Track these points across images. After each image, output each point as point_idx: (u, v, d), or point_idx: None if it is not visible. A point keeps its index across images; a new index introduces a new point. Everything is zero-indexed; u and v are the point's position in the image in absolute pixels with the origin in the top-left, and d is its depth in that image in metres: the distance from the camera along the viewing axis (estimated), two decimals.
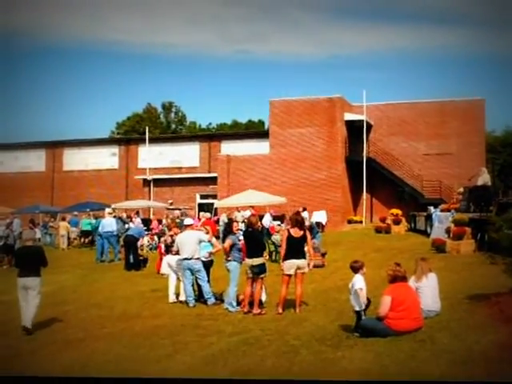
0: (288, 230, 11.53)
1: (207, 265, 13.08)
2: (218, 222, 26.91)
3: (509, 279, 9.66)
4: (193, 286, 12.81)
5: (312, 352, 7.97)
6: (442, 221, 24.06)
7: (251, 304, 11.46)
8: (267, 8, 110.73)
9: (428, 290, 9.43)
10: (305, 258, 11.36)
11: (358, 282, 9.10)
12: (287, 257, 11.17)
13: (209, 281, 12.90)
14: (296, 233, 11.28)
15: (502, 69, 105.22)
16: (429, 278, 9.69)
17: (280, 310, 11.11)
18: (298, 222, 11.56)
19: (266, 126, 57.15)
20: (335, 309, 11.06)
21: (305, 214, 26.99)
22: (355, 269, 9.32)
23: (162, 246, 15.90)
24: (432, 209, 26.75)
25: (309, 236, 11.71)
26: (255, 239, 11.86)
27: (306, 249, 11.42)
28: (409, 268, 9.44)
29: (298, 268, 11.15)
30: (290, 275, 11.14)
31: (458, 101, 37.85)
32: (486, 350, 6.69)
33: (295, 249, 11.18)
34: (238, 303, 11.88)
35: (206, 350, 8.67)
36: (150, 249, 25.69)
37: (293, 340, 8.83)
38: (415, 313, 8.52)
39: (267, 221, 23.82)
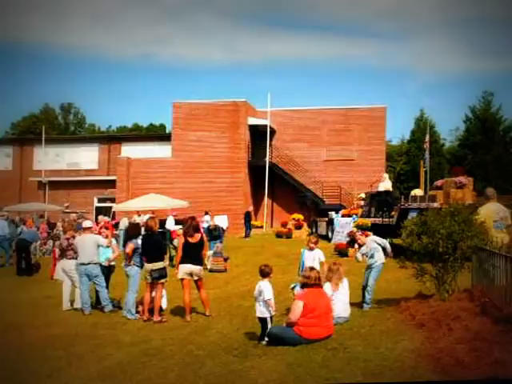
0: (185, 235, 11.10)
1: (107, 270, 12.39)
2: (116, 225, 25.93)
3: (417, 284, 9.55)
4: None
5: (218, 363, 7.48)
6: (343, 226, 24.30)
7: (151, 311, 10.94)
8: (172, 11, 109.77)
9: (341, 297, 9.19)
10: (201, 264, 11.10)
11: (267, 289, 8.68)
12: (183, 261, 10.82)
13: (107, 287, 12.22)
14: (192, 238, 10.91)
15: (399, 81, 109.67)
16: (343, 284, 9.48)
17: (188, 318, 10.70)
18: (192, 226, 11.10)
19: (167, 130, 56.36)
20: (240, 316, 10.69)
21: (207, 218, 26.56)
22: (265, 273, 8.89)
23: (57, 250, 14.90)
24: (333, 214, 27.00)
25: (206, 241, 11.47)
26: (154, 243, 11.30)
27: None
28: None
29: (194, 274, 10.82)
30: (183, 279, 10.79)
31: (360, 108, 38.69)
32: (402, 357, 6.42)
33: (191, 254, 10.84)
34: (137, 310, 11.27)
35: (103, 363, 8.03)
36: (44, 253, 24.31)
37: (197, 350, 8.34)
38: (327, 320, 8.20)
39: (170, 224, 23.11)
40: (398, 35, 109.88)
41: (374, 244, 10.47)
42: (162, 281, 11.01)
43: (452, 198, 16.03)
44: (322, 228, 28.05)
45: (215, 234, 19.95)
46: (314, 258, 10.24)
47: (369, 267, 10.39)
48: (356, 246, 16.72)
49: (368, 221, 21.12)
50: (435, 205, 16.11)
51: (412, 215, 16.15)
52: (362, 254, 10.72)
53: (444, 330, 6.87)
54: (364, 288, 10.27)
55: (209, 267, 17.53)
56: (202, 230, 12.78)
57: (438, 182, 19.00)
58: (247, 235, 30.31)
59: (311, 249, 10.41)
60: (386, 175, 25.66)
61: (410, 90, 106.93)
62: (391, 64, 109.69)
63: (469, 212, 9.25)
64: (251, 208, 33.04)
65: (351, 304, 9.57)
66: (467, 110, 49.36)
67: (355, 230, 19.70)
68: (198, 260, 11.00)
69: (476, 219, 9.09)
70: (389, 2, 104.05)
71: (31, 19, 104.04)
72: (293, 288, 9.85)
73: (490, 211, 9.63)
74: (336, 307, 8.94)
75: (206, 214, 27.94)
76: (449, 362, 5.66)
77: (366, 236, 12.20)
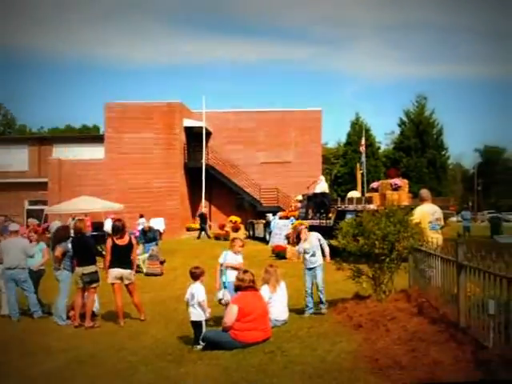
0: (112, 238, 10.78)
1: (37, 275, 11.93)
2: (47, 229, 25.15)
3: (354, 285, 9.56)
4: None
5: (152, 369, 7.25)
6: (280, 228, 24.33)
7: (82, 316, 10.54)
8: (108, 13, 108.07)
9: (278, 299, 9.08)
10: (131, 267, 10.81)
11: (200, 292, 8.50)
12: (112, 265, 10.54)
13: (36, 292, 11.74)
14: (120, 241, 10.64)
15: (335, 85, 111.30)
16: (281, 286, 9.37)
17: (121, 323, 10.39)
18: (119, 229, 10.81)
19: (101, 132, 55.28)
20: (175, 320, 10.46)
21: (142, 221, 26.11)
22: (195, 276, 8.71)
23: None
24: (271, 216, 27.03)
25: (135, 244, 11.18)
26: (84, 246, 10.90)
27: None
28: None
29: (125, 278, 10.56)
30: (114, 284, 10.52)
31: (296, 111, 38.99)
32: (339, 359, 6.35)
33: (120, 257, 10.57)
34: (68, 316, 10.86)
35: (31, 370, 7.68)
36: None
37: (130, 356, 8.07)
38: (263, 323, 8.07)
39: (108, 227, 22.56)
40: (333, 40, 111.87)
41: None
42: (94, 285, 10.64)
43: (388, 200, 16.27)
44: (260, 230, 28.06)
45: (150, 236, 19.51)
46: (237, 261, 10.00)
47: (311, 269, 10.16)
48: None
49: (305, 222, 21.15)
50: (371, 206, 16.32)
51: (348, 217, 16.29)
52: (304, 251, 10.37)
53: (381, 331, 6.86)
54: (308, 292, 10.03)
55: (144, 271, 17.18)
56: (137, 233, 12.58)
57: (374, 184, 19.27)
58: (199, 237, 30.06)
59: (236, 252, 10.11)
60: (322, 177, 25.87)
61: (346, 94, 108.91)
62: (327, 68, 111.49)
63: (404, 213, 9.33)
64: (205, 209, 32.74)
65: (290, 306, 9.49)
66: (402, 114, 50.64)
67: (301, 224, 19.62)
68: (128, 263, 10.71)
69: (411, 220, 9.18)
70: (324, 8, 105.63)
71: None
72: (220, 300, 9.48)
73: (425, 212, 9.74)
74: (274, 310, 8.84)
75: (141, 216, 27.51)
76: (386, 363, 5.63)
77: None
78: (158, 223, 32.58)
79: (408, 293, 8.80)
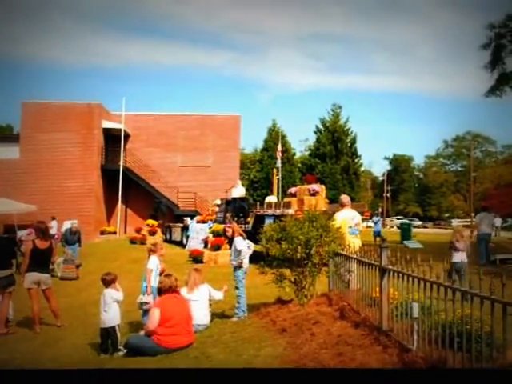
0: (33, 241, 10.33)
1: None
2: None
3: (275, 289, 9.52)
4: None
5: None
6: (198, 232, 24.15)
7: None
8: (27, 11, 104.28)
9: (199, 303, 8.91)
10: (49, 272, 10.50)
11: (114, 293, 8.29)
12: (30, 269, 10.09)
13: None
14: (41, 244, 10.25)
15: (252, 91, 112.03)
16: (200, 289, 9.19)
17: (38, 329, 9.94)
18: (41, 231, 10.41)
19: (15, 131, 53.24)
20: (94, 325, 9.97)
21: (54, 223, 25.28)
22: (107, 282, 8.48)
23: None
24: (188, 220, 26.79)
25: (55, 248, 10.86)
26: (1, 248, 10.37)
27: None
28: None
29: (42, 283, 10.18)
30: (31, 289, 10.08)
31: (215, 116, 38.98)
32: (266, 364, 6.27)
33: (40, 261, 10.16)
34: None
35: None
36: None
37: (48, 363, 7.72)
38: (186, 327, 7.90)
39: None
40: (250, 48, 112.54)
41: (246, 247, 10.14)
42: (10, 289, 10.14)
43: (306, 205, 16.41)
44: (177, 234, 27.76)
45: (75, 238, 18.78)
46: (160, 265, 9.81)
47: (242, 272, 9.95)
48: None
49: (223, 227, 21.09)
50: (290, 211, 16.41)
51: (269, 221, 16.33)
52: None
53: (306, 335, 6.84)
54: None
55: (59, 275, 16.56)
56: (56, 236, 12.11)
57: (292, 190, 19.41)
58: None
59: (160, 256, 9.95)
60: (240, 182, 25.97)
61: (262, 100, 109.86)
62: (244, 75, 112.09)
63: (326, 218, 9.41)
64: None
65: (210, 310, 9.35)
66: (317, 122, 51.52)
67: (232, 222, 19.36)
68: (46, 268, 10.34)
69: (333, 225, 9.27)
70: (241, 15, 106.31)
71: None
72: (141, 304, 9.31)
73: (346, 217, 9.88)
74: (195, 314, 8.66)
75: (53, 219, 26.60)
76: (315, 367, 5.60)
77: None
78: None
79: (329, 297, 8.85)
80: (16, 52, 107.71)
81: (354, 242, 9.14)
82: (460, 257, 11.06)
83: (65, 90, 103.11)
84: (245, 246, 9.99)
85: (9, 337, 9.67)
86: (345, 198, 10.51)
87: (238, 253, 9.94)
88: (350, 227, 9.82)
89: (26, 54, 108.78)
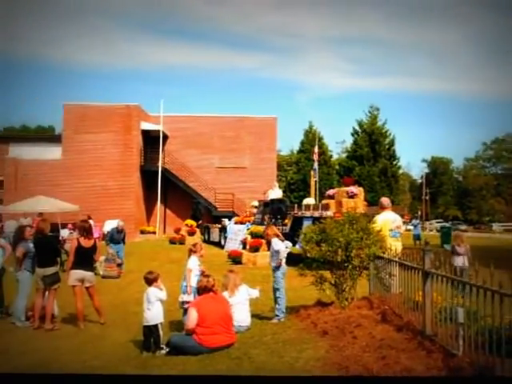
0: (77, 240, 10.47)
1: None
2: (2, 228, 24.43)
3: (314, 291, 9.47)
4: None
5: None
6: (236, 233, 24.19)
7: (42, 318, 10.17)
8: (69, 15, 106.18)
9: (241, 304, 8.92)
10: (93, 270, 10.62)
11: (157, 292, 8.33)
12: (75, 267, 10.20)
13: (1, 291, 11.38)
14: (86, 243, 10.36)
15: (289, 94, 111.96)
16: (240, 290, 9.20)
17: (81, 326, 10.07)
18: (85, 230, 10.53)
19: (56, 132, 54.21)
20: (136, 323, 10.07)
21: (91, 223, 25.51)
22: (149, 281, 8.52)
23: None
24: (226, 221, 26.85)
25: (98, 246, 10.98)
26: (47, 247, 10.56)
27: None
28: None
29: (86, 280, 10.28)
30: (75, 286, 10.20)
31: (252, 117, 38.99)
32: (308, 366, 6.23)
33: (84, 259, 10.28)
34: (27, 318, 10.45)
35: None
36: None
37: (91, 360, 7.78)
38: (226, 327, 7.90)
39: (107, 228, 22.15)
40: (287, 50, 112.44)
41: (284, 246, 10.08)
42: (55, 286, 10.32)
43: (344, 207, 16.30)
44: (215, 235, 27.85)
45: (121, 236, 19.03)
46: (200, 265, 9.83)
47: (282, 273, 9.90)
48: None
49: (261, 228, 21.06)
50: (328, 213, 16.33)
51: (307, 223, 16.26)
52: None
53: (348, 338, 6.78)
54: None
55: (101, 273, 16.78)
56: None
57: (330, 192, 19.32)
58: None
59: (200, 257, 9.98)
60: (276, 184, 25.91)
61: (298, 102, 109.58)
62: (281, 77, 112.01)
63: (367, 220, 9.31)
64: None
65: (251, 311, 9.34)
66: (355, 124, 51.11)
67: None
68: (90, 266, 10.47)
69: (373, 228, 9.17)
70: (276, 18, 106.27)
71: None
72: (182, 303, 9.38)
73: (387, 220, 9.77)
74: (237, 315, 8.67)
75: (89, 218, 26.89)
76: (357, 371, 5.54)
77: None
78: (112, 225, 32.06)
79: (370, 300, 8.76)
80: (58, 55, 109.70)
81: (395, 245, 9.03)
82: (461, 261, 11.31)
83: (104, 92, 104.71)
84: (282, 246, 9.92)
85: (54, 332, 9.82)
86: (385, 200, 10.40)
87: (277, 253, 9.89)
88: (391, 230, 9.71)
89: (68, 58, 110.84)
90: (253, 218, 24.66)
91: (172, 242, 28.66)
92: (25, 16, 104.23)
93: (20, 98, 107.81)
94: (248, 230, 22.32)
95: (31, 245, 10.59)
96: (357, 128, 50.76)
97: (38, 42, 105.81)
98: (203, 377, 5.93)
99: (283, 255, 9.85)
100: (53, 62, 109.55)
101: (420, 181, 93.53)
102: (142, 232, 34.49)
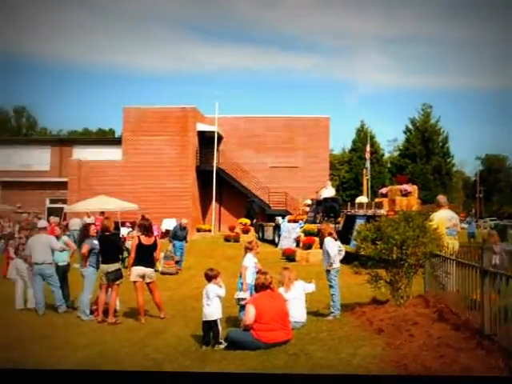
0: (138, 237, 10.61)
1: (62, 270, 11.85)
2: (67, 226, 25.10)
3: (368, 289, 9.35)
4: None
5: (177, 367, 7.04)
6: (289, 231, 24.13)
7: (105, 312, 10.42)
8: (125, 21, 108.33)
9: (297, 300, 8.89)
10: (153, 266, 10.67)
11: (216, 289, 8.36)
12: (136, 264, 10.35)
13: (63, 287, 11.64)
14: (146, 240, 10.48)
15: (340, 93, 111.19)
16: (296, 286, 9.16)
17: (143, 320, 10.23)
18: (146, 228, 10.68)
19: (116, 135, 55.39)
20: (195, 318, 10.20)
21: None
22: (209, 277, 8.56)
23: (10, 249, 14.19)
24: (280, 219, 26.80)
25: (159, 244, 10.97)
26: (111, 244, 10.79)
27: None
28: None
29: (146, 276, 10.39)
30: (136, 282, 10.34)
31: (305, 117, 38.84)
32: (365, 363, 6.15)
33: (144, 256, 10.40)
34: (92, 311, 10.74)
35: (60, 365, 7.43)
36: None
37: (154, 353, 7.88)
38: (283, 324, 7.89)
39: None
40: (338, 50, 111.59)
41: (337, 251, 9.96)
42: (118, 282, 10.54)
43: (398, 206, 16.05)
44: (269, 233, 27.84)
45: (184, 233, 19.33)
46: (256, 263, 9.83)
47: (335, 271, 9.83)
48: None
49: (314, 226, 20.97)
50: (382, 212, 16.10)
51: (360, 222, 16.08)
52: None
53: (405, 336, 6.66)
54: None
55: (160, 269, 17.03)
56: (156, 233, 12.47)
57: (383, 190, 19.05)
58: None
59: (255, 254, 9.98)
60: (329, 182, 25.71)
61: (349, 102, 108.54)
62: (332, 77, 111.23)
63: (423, 218, 9.13)
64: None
65: (306, 308, 9.29)
66: (407, 122, 50.25)
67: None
68: (151, 262, 10.56)
69: (430, 225, 8.98)
70: (328, 19, 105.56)
71: None
72: (238, 300, 9.40)
73: (443, 218, 9.57)
74: (293, 311, 8.65)
75: (143, 217, 27.29)
76: (416, 369, 5.43)
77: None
78: (170, 223, 32.54)
79: (425, 298, 8.60)
80: (117, 61, 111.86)
81: (452, 243, 8.83)
82: (498, 259, 10.89)
83: (162, 95, 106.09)
84: (335, 248, 9.78)
85: (117, 326, 10.01)
86: (442, 198, 10.19)
87: (327, 255, 9.80)
88: (447, 228, 9.50)
89: (126, 63, 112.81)
90: (306, 216, 24.56)
91: (227, 239, 28.81)
92: (88, 23, 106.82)
93: (82, 103, 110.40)
94: (301, 228, 22.24)
95: (96, 242, 10.83)
96: (409, 126, 49.88)
97: (100, 48, 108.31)
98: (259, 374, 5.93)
99: (334, 259, 9.73)
100: (113, 67, 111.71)
101: (474, 178, 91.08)
102: (198, 230, 34.76)
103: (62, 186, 35.64)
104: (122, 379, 4.07)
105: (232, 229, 30.04)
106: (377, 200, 19.05)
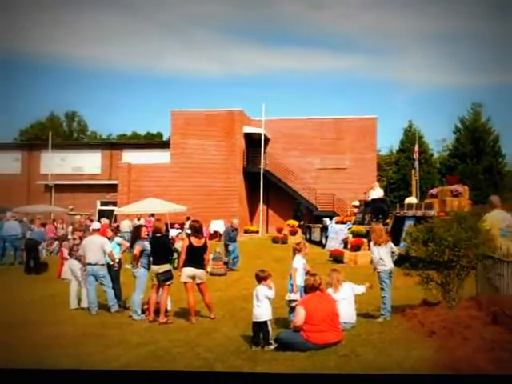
0: (189, 239, 10.69)
1: (114, 270, 12.14)
2: (118, 228, 25.59)
3: (418, 291, 9.21)
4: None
5: (228, 367, 7.08)
6: (337, 232, 23.98)
7: (157, 312, 10.57)
8: (169, 26, 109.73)
9: (346, 301, 8.83)
10: (203, 267, 10.70)
11: (267, 292, 8.35)
12: (186, 265, 10.43)
13: (115, 287, 11.93)
14: (196, 242, 10.56)
15: (389, 93, 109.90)
16: (344, 287, 9.10)
17: (193, 321, 10.32)
18: (196, 229, 10.76)
19: (164, 138, 56.11)
20: (244, 319, 10.26)
21: (188, 224, 25.99)
22: (259, 278, 8.57)
23: (65, 250, 14.59)
24: (327, 220, 26.67)
25: (209, 245, 11.04)
26: (162, 245, 10.95)
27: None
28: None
29: (197, 277, 10.46)
30: (186, 283, 10.43)
31: (351, 118, 38.52)
32: (417, 366, 6.06)
33: (194, 257, 10.46)
34: (143, 311, 10.92)
35: (113, 363, 7.59)
36: (50, 253, 23.98)
37: (204, 352, 7.94)
38: (333, 325, 7.84)
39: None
40: (382, 50, 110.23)
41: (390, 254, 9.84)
42: (169, 283, 10.69)
43: (448, 206, 15.75)
44: (316, 234, 27.73)
45: (234, 235, 19.53)
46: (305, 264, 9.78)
47: (386, 273, 9.72)
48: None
49: (363, 228, 20.78)
50: (432, 213, 15.82)
51: (409, 223, 15.86)
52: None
53: (458, 339, 6.53)
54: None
55: (209, 270, 17.17)
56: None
57: (433, 191, 18.73)
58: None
59: (304, 255, 9.92)
60: (377, 183, 25.44)
61: (398, 101, 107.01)
62: (379, 77, 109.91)
63: (476, 219, 8.93)
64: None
65: (356, 310, 9.21)
66: (457, 121, 49.20)
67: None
68: (201, 263, 10.62)
69: (483, 227, 8.78)
70: (374, 18, 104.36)
71: (43, 32, 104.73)
72: (289, 301, 9.39)
73: (496, 219, 9.34)
74: (342, 312, 8.58)
75: (188, 219, 27.63)
76: (470, 372, 5.31)
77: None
78: (218, 225, 32.82)
79: (478, 300, 8.40)
80: (164, 66, 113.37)
81: (506, 245, 8.60)
82: None
83: (208, 98, 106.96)
84: (376, 255, 9.70)
85: (168, 326, 10.14)
86: (495, 198, 9.95)
87: (378, 260, 9.71)
88: (501, 229, 9.25)
89: (173, 67, 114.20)
90: (353, 217, 24.37)
91: (275, 241, 28.84)
92: (134, 29, 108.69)
93: (131, 107, 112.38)
94: (349, 229, 22.07)
95: (147, 243, 11.01)
96: (459, 125, 48.82)
97: (147, 54, 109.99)
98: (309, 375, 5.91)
99: (376, 263, 9.67)
100: (160, 73, 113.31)
101: None
102: (246, 231, 34.90)
103: (112, 188, 36.54)
104: (177, 379, 4.12)
105: (280, 230, 30.06)
106: (426, 201, 18.72)
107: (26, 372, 4.54)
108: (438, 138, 59.02)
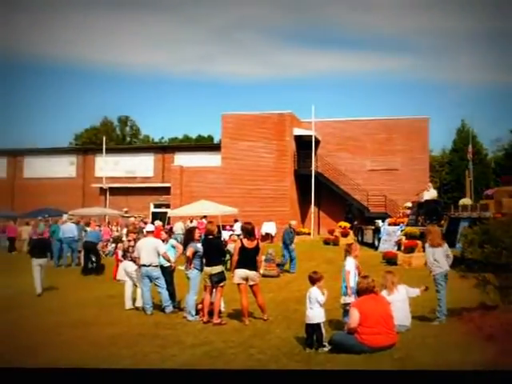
0: (241, 240, 10.75)
1: (168, 271, 12.30)
2: (171, 230, 25.96)
3: (474, 294, 8.99)
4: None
5: (282, 368, 7.05)
6: (390, 234, 23.66)
7: (210, 313, 10.66)
8: (219, 31, 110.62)
9: (400, 303, 8.70)
10: (256, 269, 10.69)
11: (318, 295, 8.29)
12: (239, 266, 10.48)
13: (170, 288, 12.11)
14: (249, 243, 10.58)
15: (440, 92, 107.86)
16: (399, 290, 8.97)
17: (246, 322, 10.38)
18: (249, 231, 10.78)
19: (215, 141, 56.57)
20: (297, 321, 10.24)
21: (236, 226, 26.05)
22: (313, 280, 8.52)
23: (119, 251, 14.91)
24: (380, 222, 26.31)
25: (261, 247, 11.03)
26: (214, 247, 11.04)
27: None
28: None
29: (250, 279, 10.49)
30: (240, 284, 10.48)
31: (403, 119, 37.95)
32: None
33: (247, 259, 10.48)
34: (197, 312, 11.02)
35: (168, 363, 7.70)
36: (106, 255, 24.55)
37: (258, 354, 7.98)
38: (388, 328, 7.74)
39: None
40: (437, 49, 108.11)
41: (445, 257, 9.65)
42: (222, 284, 10.77)
43: (505, 207, 15.33)
44: (368, 236, 27.40)
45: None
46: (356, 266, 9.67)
47: (442, 275, 9.55)
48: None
49: (416, 229, 20.41)
50: (488, 214, 15.41)
51: (463, 225, 15.50)
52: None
53: None
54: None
55: (261, 272, 17.21)
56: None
57: (489, 192, 18.28)
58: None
59: (355, 257, 9.80)
60: (431, 184, 24.93)
61: (449, 101, 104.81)
62: (430, 77, 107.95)
63: None
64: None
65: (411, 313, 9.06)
66: None
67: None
68: (254, 265, 10.62)
69: None
70: (424, 18, 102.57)
71: (92, 38, 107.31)
72: (344, 305, 9.31)
73: None
74: (396, 314, 8.45)
75: (236, 221, 27.74)
76: None
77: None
78: (269, 227, 32.86)
79: None
80: (214, 70, 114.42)
81: None
82: None
83: (258, 101, 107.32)
84: (431, 258, 9.53)
85: (222, 327, 10.21)
86: None
87: (433, 261, 9.53)
88: None
89: (222, 71, 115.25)
90: (406, 219, 23.97)
91: (326, 242, 28.68)
92: (185, 36, 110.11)
93: (182, 110, 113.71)
94: (402, 231, 21.73)
95: (199, 245, 11.12)
96: None
97: (196, 58, 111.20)
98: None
99: (430, 265, 9.50)
100: (208, 77, 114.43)
101: None
102: (298, 233, 34.71)
103: (165, 191, 37.01)
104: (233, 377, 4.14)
105: (331, 232, 29.88)
106: (481, 202, 18.25)
107: (82, 371, 4.65)
108: (493, 137, 57.52)
